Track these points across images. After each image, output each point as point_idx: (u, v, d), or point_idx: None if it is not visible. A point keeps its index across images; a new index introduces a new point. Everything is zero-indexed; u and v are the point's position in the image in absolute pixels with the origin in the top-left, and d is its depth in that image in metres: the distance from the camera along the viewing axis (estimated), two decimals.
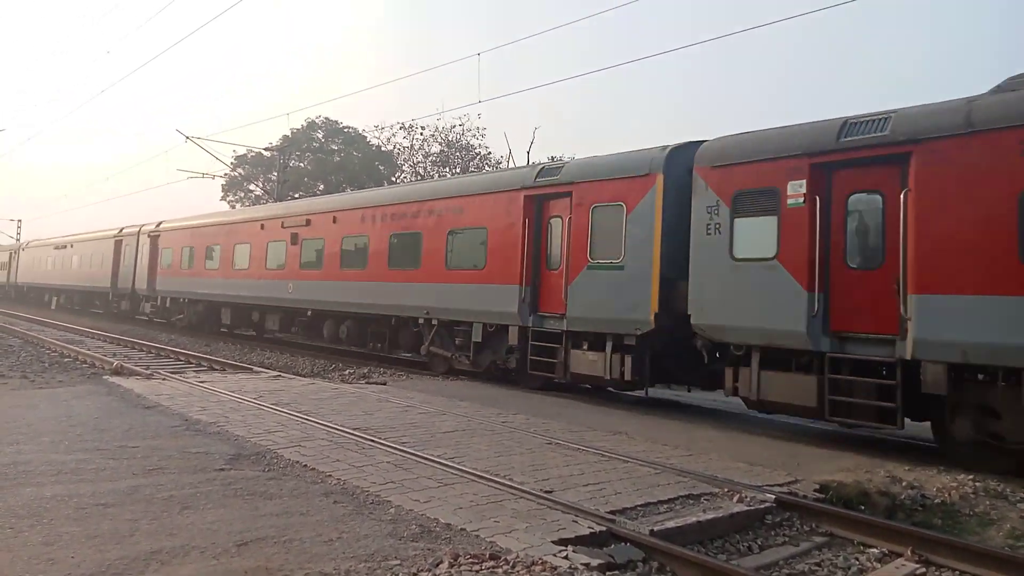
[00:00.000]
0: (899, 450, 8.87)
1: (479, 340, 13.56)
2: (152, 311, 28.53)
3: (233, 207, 42.95)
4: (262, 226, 20.82)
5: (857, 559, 5.58)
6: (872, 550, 5.70)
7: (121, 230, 31.23)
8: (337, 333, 17.87)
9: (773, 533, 5.85)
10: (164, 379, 12.07)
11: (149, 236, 28.26)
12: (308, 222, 18.74)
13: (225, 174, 40.43)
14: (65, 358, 16.30)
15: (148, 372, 13.18)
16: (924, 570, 5.34)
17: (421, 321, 14.92)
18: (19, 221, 65.49)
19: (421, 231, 15.03)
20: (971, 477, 7.23)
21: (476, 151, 41.17)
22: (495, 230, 13.31)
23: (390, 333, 16.40)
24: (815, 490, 6.72)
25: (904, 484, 7.07)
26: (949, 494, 6.87)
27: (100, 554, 4.15)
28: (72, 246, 37.17)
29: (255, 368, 15.23)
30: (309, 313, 18.71)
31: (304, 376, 14.67)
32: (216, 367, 15.56)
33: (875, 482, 7.08)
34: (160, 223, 28.13)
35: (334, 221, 17.73)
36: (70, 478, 5.68)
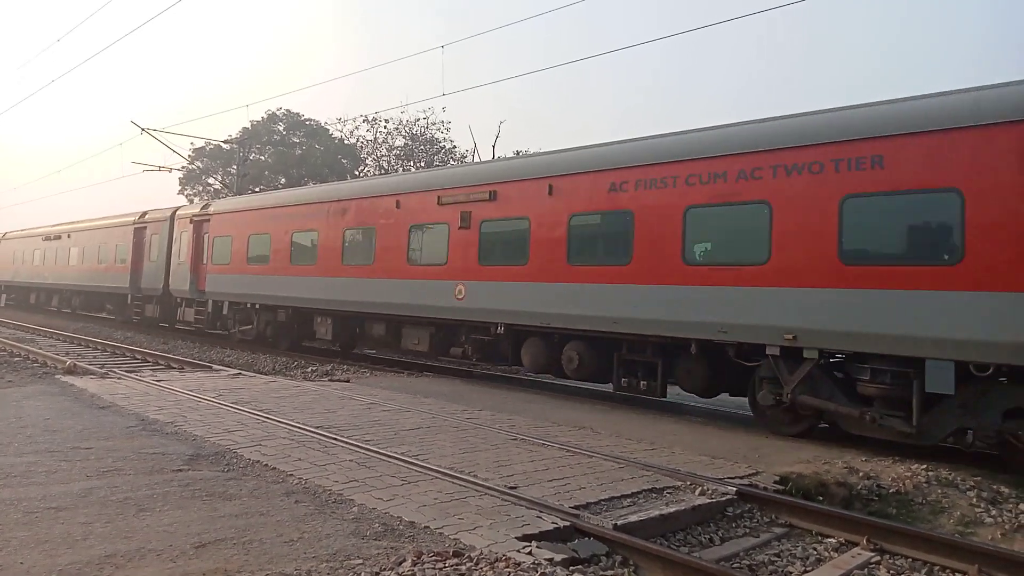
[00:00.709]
0: (856, 442, 9.09)
1: (946, 391, 7.91)
2: (198, 319, 22.01)
3: (191, 201, 42.06)
4: (397, 203, 15.29)
5: (815, 549, 5.71)
6: (829, 540, 5.86)
7: (144, 214, 25.28)
8: (555, 358, 12.35)
9: (734, 525, 5.96)
10: (120, 378, 11.77)
11: (192, 221, 22.21)
12: (493, 195, 13.29)
13: (183, 167, 39.59)
14: (15, 357, 15.76)
15: (103, 371, 12.82)
16: (879, 558, 5.50)
17: (774, 353, 9.23)
18: None
19: (768, 200, 9.42)
20: (924, 467, 7.45)
21: (441, 144, 41.00)
22: (983, 190, 7.77)
23: (664, 364, 10.95)
24: (775, 482, 6.87)
25: (861, 475, 7.26)
26: (903, 484, 7.07)
27: (51, 559, 4.03)
28: (70, 236, 30.51)
29: (214, 366, 14.94)
30: (500, 330, 12.95)
31: (265, 374, 14.46)
32: (174, 365, 15.24)
33: (833, 473, 7.26)
34: (207, 204, 22.76)
35: (549, 192, 12.24)
36: (19, 481, 5.50)
